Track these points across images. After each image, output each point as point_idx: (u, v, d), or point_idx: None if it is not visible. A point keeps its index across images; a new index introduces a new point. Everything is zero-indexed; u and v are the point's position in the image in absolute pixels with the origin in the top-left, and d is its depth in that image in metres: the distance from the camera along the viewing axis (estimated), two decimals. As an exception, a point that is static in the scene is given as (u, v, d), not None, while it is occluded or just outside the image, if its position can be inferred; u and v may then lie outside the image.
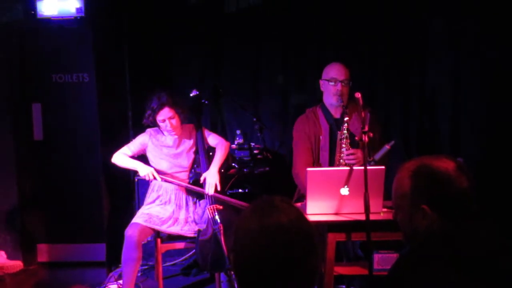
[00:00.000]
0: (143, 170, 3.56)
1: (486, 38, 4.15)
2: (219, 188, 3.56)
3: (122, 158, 3.65)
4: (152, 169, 3.58)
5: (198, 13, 4.66)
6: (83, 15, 4.21)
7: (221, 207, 3.52)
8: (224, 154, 3.72)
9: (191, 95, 3.84)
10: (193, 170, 3.70)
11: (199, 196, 3.66)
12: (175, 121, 3.59)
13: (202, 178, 3.60)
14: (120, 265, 3.69)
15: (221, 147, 3.74)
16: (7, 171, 4.28)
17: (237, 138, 4.45)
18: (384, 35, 4.52)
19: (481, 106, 4.28)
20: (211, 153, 3.79)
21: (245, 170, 4.26)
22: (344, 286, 3.44)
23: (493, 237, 1.55)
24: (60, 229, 4.36)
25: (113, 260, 4.12)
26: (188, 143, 3.75)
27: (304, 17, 4.57)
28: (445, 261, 1.48)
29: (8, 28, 4.23)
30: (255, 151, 4.36)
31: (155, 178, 3.55)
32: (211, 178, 3.56)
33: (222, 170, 3.73)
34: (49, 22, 4.25)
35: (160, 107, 3.52)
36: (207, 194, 3.53)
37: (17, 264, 4.27)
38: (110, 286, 3.83)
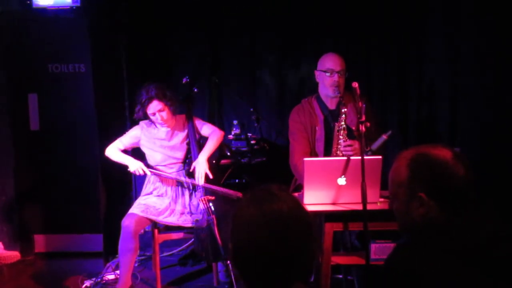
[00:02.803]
0: (132, 165, 3.55)
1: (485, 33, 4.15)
2: (210, 177, 3.52)
3: (113, 152, 3.64)
4: (141, 163, 3.56)
5: (196, 3, 4.63)
6: (78, 4, 4.18)
7: (213, 197, 3.51)
8: (215, 143, 3.67)
9: (182, 82, 3.82)
10: (187, 161, 3.67)
11: (194, 187, 3.65)
12: (165, 114, 3.56)
13: (192, 168, 3.57)
14: (117, 256, 3.70)
15: (213, 136, 3.70)
16: (4, 161, 4.27)
17: (234, 129, 4.44)
18: (381, 28, 4.50)
19: (480, 100, 4.27)
20: (202, 142, 3.75)
21: (242, 160, 4.25)
22: (341, 276, 3.46)
23: (492, 225, 1.55)
24: (57, 219, 4.36)
25: (111, 250, 4.11)
26: (182, 134, 3.71)
27: (303, 9, 4.54)
28: (443, 249, 1.48)
29: (4, 18, 4.20)
30: (252, 142, 4.35)
31: (145, 173, 3.55)
32: (200, 167, 3.52)
33: (214, 161, 3.70)
34: (45, 12, 4.22)
35: (149, 101, 3.49)
36: (198, 184, 3.52)
37: (14, 255, 4.27)
38: (107, 276, 3.84)
